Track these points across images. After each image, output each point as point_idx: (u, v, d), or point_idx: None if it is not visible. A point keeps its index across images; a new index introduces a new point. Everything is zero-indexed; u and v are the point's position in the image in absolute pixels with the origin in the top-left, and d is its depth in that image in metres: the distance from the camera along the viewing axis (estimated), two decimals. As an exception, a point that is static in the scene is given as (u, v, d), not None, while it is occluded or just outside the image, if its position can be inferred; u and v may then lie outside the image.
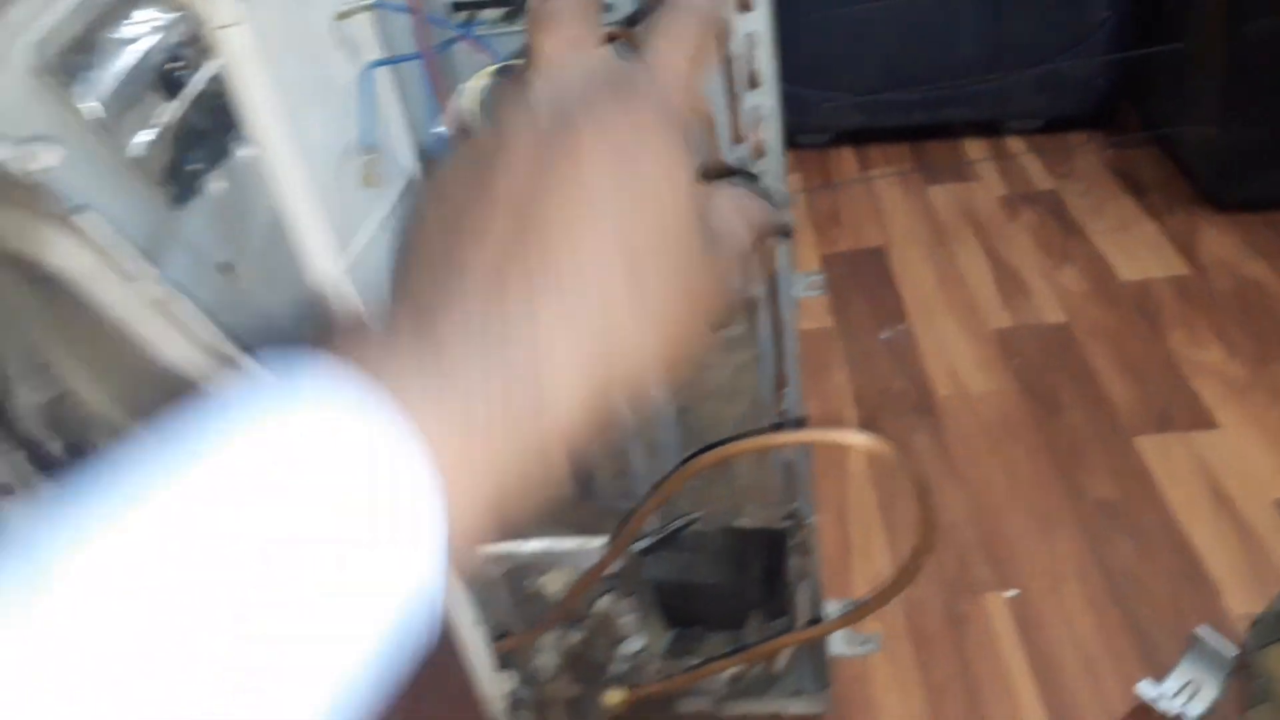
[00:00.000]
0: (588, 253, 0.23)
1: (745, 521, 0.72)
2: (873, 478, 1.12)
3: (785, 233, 0.36)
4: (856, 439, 0.52)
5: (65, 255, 0.39)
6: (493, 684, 0.86)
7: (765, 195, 0.32)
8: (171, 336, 0.43)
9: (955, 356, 1.28)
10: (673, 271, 0.25)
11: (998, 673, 0.89)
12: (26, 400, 0.88)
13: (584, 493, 0.73)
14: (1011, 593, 0.97)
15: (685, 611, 0.79)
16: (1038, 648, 0.91)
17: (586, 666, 0.79)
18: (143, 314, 0.42)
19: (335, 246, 0.47)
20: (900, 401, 1.24)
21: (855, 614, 0.67)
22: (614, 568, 0.72)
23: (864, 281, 1.48)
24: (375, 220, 0.51)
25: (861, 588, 0.99)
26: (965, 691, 0.88)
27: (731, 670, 0.85)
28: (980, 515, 1.06)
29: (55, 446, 0.92)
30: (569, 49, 0.26)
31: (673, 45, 0.27)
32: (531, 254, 0.23)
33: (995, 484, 1.10)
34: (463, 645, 0.82)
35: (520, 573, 0.74)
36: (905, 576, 0.60)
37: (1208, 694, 0.71)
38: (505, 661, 0.89)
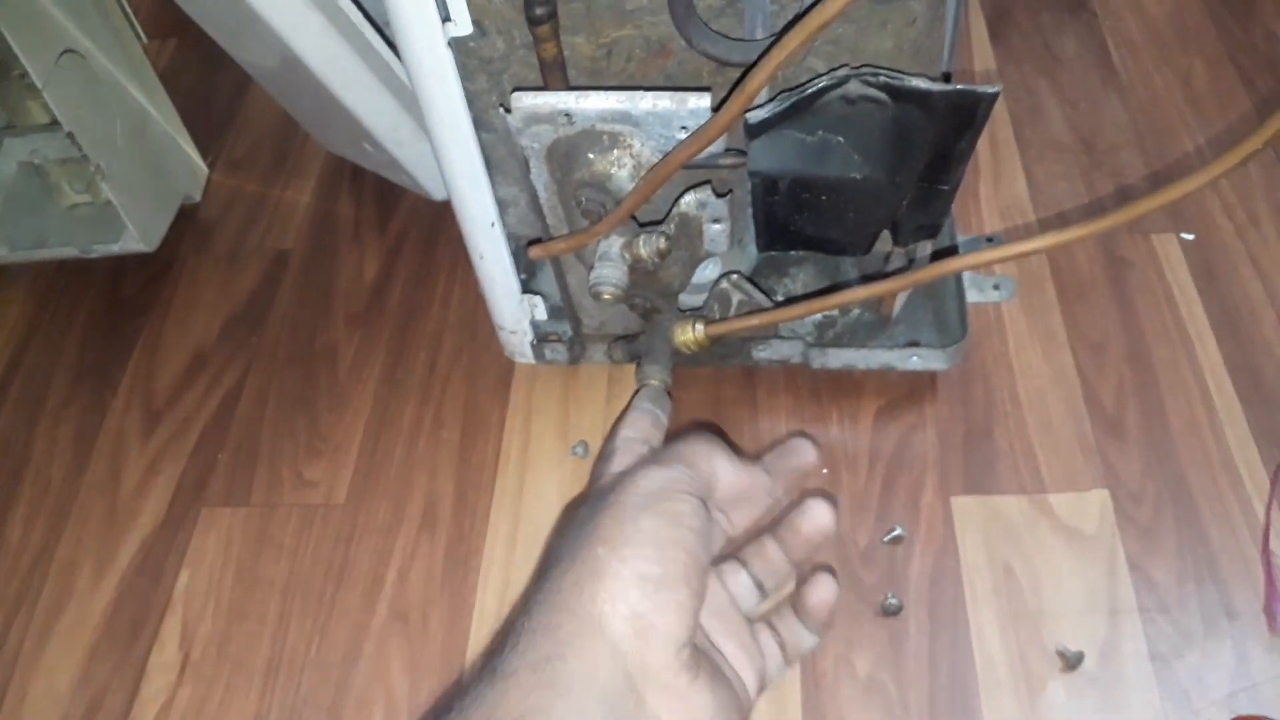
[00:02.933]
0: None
1: (920, 84, 0.47)
2: (1009, 90, 0.87)
3: None
4: None
5: None
6: (514, 310, 0.65)
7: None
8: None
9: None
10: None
11: (1170, 327, 0.69)
12: None
13: (682, 30, 0.47)
14: (1188, 235, 0.75)
15: (798, 223, 0.56)
16: (1221, 299, 0.70)
17: (651, 290, 0.58)
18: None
19: None
20: (1042, -6, 0.95)
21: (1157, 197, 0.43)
22: (713, 147, 0.48)
23: None
24: None
25: (994, 221, 0.77)
26: (1129, 349, 0.68)
27: (824, 313, 0.65)
28: (1147, 139, 0.81)
29: None
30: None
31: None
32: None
33: (1166, 102, 0.84)
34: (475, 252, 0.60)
35: (575, 146, 0.49)
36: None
37: None
38: (531, 277, 0.67)
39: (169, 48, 0.99)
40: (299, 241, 0.82)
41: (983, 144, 0.82)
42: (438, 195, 0.78)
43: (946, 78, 0.53)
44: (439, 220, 0.81)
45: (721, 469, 0.41)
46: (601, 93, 0.47)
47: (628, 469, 0.40)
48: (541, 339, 0.66)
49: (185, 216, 0.83)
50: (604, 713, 0.33)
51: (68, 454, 0.70)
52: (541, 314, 0.65)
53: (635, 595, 0.34)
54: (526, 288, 0.64)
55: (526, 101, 0.47)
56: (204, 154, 0.86)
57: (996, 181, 0.80)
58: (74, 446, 0.71)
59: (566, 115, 0.47)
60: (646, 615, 0.34)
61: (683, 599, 0.35)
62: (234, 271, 0.80)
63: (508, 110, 0.48)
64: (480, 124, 0.54)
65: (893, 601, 0.58)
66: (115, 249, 0.78)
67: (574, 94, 0.47)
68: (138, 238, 0.77)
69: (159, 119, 0.81)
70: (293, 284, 0.79)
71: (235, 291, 0.79)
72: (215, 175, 0.87)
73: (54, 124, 0.75)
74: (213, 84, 0.95)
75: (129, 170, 0.76)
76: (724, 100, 0.46)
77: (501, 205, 0.59)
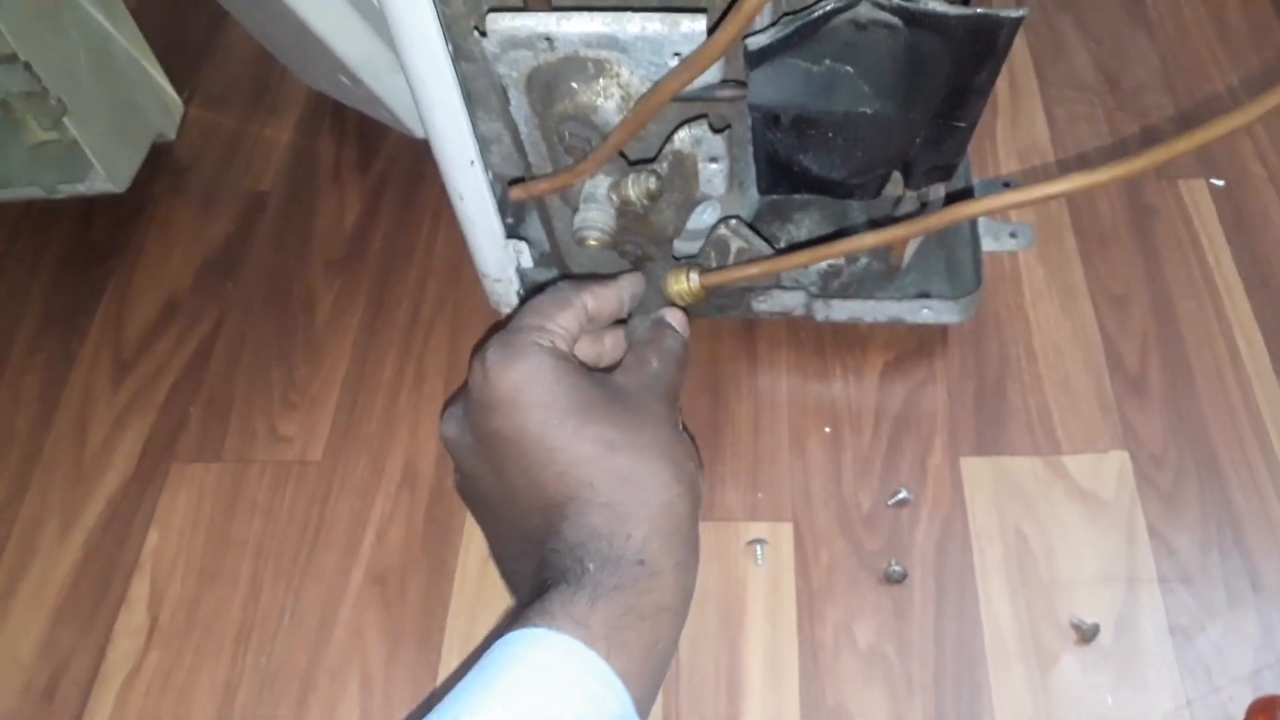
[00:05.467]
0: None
1: (936, 7, 0.43)
2: (1028, 25, 0.81)
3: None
4: None
5: None
6: (497, 256, 0.61)
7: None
8: None
9: None
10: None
11: (1198, 279, 0.65)
12: None
13: (669, -60, 0.43)
14: (1218, 181, 0.70)
15: (802, 163, 0.52)
16: (1252, 249, 0.66)
17: (642, 236, 0.54)
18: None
19: None
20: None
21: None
22: (709, 76, 0.44)
23: None
24: None
25: (1012, 164, 0.72)
26: (1152, 302, 0.64)
27: (829, 261, 0.61)
28: (1176, 78, 0.76)
29: None
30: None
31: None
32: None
33: (1196, 39, 0.79)
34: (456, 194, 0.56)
35: (557, 75, 0.45)
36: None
37: None
38: (518, 222, 0.63)
39: (143, -23, 0.94)
40: (277, 182, 0.78)
41: (1000, 82, 0.77)
42: (419, 132, 0.74)
43: (965, 2, 0.49)
44: (422, 160, 0.76)
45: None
46: (586, 14, 0.42)
47: (667, 401, 0.45)
48: (528, 288, 0.62)
49: (159, 155, 0.79)
50: (690, 606, 0.40)
51: (33, 406, 0.67)
52: (528, 261, 0.61)
53: (700, 510, 0.42)
54: (513, 232, 0.60)
55: (503, 24, 0.43)
56: (179, 89, 0.81)
57: (1015, 122, 0.75)
58: (40, 398, 0.67)
59: (547, 39, 0.43)
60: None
61: None
62: (209, 214, 0.76)
63: (482, 33, 0.44)
64: (460, 53, 0.50)
65: (897, 569, 0.55)
66: (82, 189, 0.73)
67: (555, 15, 0.43)
68: (105, 178, 0.73)
69: (128, 50, 0.76)
70: (270, 228, 0.75)
71: (210, 235, 0.75)
72: (191, 112, 0.83)
73: (15, 56, 0.71)
74: (188, 15, 0.90)
75: (95, 105, 0.72)
76: (718, 22, 0.41)
77: (483, 142, 0.55)
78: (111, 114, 0.74)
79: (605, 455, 0.40)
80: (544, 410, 0.40)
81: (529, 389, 0.41)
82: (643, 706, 0.36)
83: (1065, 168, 0.72)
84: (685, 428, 0.46)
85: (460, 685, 0.34)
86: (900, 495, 0.57)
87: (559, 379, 0.41)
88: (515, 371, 0.41)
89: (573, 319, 0.45)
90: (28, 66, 0.66)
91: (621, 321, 0.52)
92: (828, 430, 0.60)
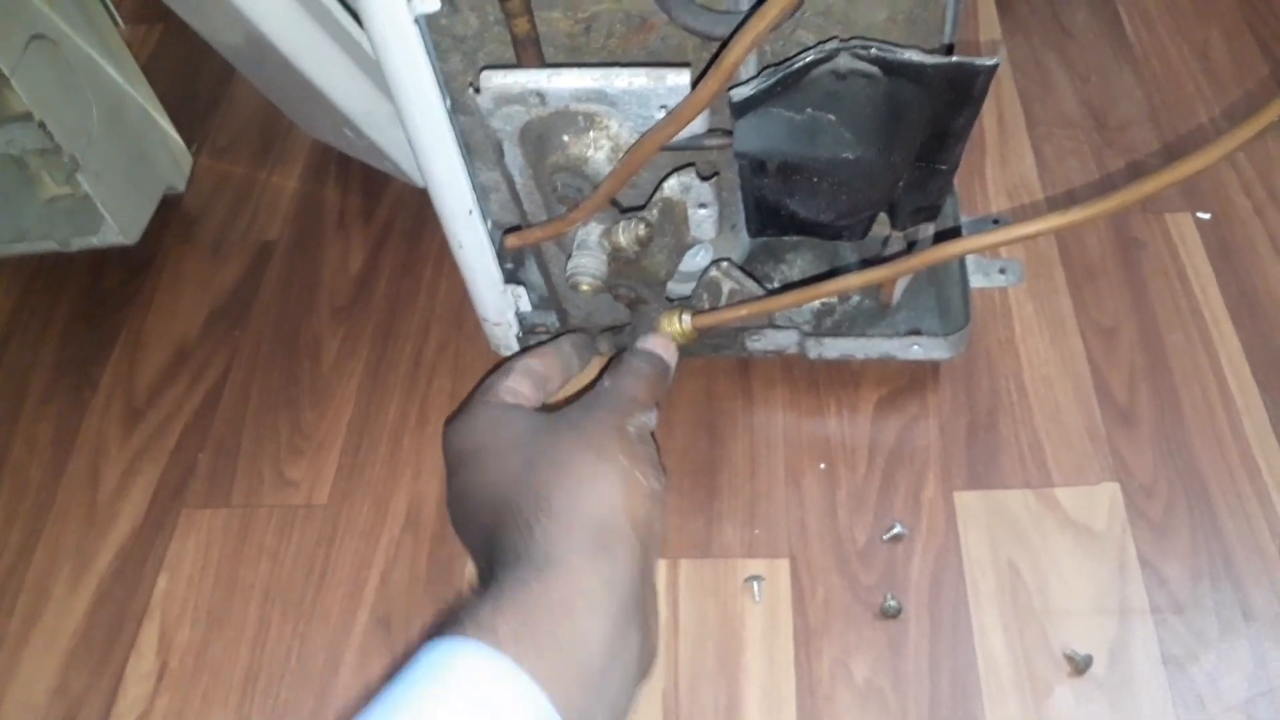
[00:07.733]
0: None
1: (913, 57, 0.45)
2: (1016, 65, 0.83)
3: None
4: None
5: None
6: (496, 301, 0.63)
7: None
8: None
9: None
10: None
11: (1185, 311, 0.66)
12: None
13: (662, 2, 0.45)
14: (1204, 214, 0.71)
15: (789, 207, 0.53)
16: (1239, 281, 0.67)
17: (635, 279, 0.55)
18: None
19: None
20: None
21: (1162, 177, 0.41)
22: (695, 127, 0.45)
23: None
24: None
25: (1001, 201, 0.74)
26: (1141, 334, 0.65)
27: (821, 300, 0.62)
28: (1161, 114, 0.78)
29: None
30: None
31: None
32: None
33: (1182, 75, 0.81)
34: (454, 239, 0.57)
35: (549, 128, 0.47)
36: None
37: None
38: (518, 267, 0.65)
39: (154, 34, 0.97)
40: (284, 232, 0.80)
41: (989, 121, 0.79)
42: (421, 182, 0.76)
43: (949, 50, 0.50)
44: (425, 208, 0.77)
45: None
46: (575, 70, 0.44)
47: (610, 408, 0.45)
48: (527, 331, 0.64)
49: (169, 206, 0.81)
50: (631, 600, 0.39)
51: (46, 453, 0.69)
52: (526, 305, 0.63)
53: (647, 505, 0.41)
54: (512, 278, 0.62)
55: (496, 80, 0.45)
56: (188, 142, 0.84)
57: (1003, 160, 0.77)
58: (53, 445, 0.69)
59: (539, 95, 0.45)
60: (652, 524, 0.42)
61: (661, 514, 0.43)
62: (218, 263, 0.78)
63: (477, 90, 0.45)
64: (458, 106, 0.52)
65: (892, 603, 0.55)
66: (95, 242, 0.76)
67: (546, 72, 0.44)
68: (117, 230, 0.75)
69: (139, 105, 0.78)
70: (277, 276, 0.77)
71: (219, 284, 0.77)
72: (200, 163, 0.85)
73: (30, 115, 0.73)
74: (198, 70, 0.93)
75: (106, 161, 0.74)
76: (702, 76, 0.43)
77: (483, 192, 0.57)
78: (123, 168, 0.76)
79: (525, 476, 0.42)
80: (489, 455, 0.44)
81: (478, 440, 0.45)
82: (577, 705, 0.35)
83: (1054, 204, 0.74)
84: (655, 441, 0.47)
85: (369, 705, 0.34)
86: (895, 530, 0.58)
87: (496, 425, 0.46)
88: (465, 428, 0.46)
89: (520, 378, 0.49)
90: (42, 125, 0.68)
91: None
92: (823, 466, 0.61)
